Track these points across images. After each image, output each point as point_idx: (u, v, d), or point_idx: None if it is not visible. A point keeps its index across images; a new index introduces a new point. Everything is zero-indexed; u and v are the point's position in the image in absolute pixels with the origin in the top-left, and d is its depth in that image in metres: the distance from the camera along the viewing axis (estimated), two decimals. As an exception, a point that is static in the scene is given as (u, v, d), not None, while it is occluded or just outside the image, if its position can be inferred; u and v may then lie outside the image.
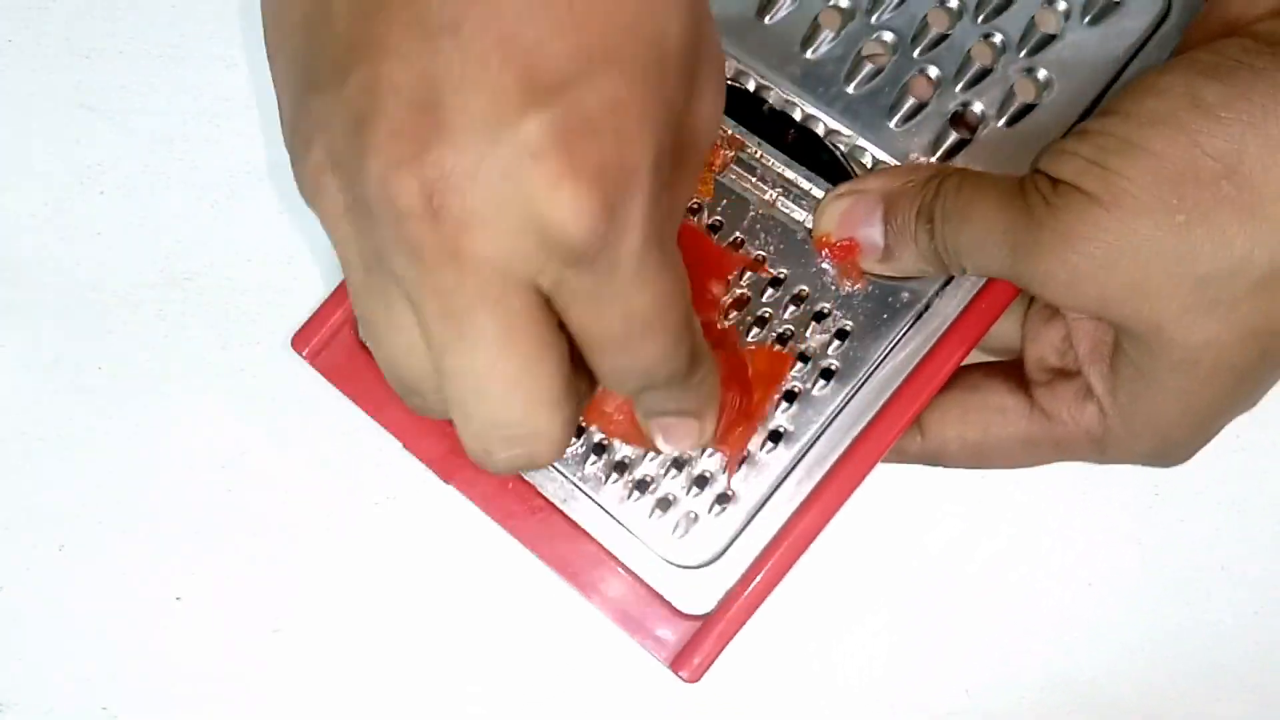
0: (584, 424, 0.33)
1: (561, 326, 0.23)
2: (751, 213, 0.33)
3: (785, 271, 0.33)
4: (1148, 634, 0.39)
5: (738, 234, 0.33)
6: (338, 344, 0.34)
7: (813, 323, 0.33)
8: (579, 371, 0.24)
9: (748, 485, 0.32)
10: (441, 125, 0.20)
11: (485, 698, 0.38)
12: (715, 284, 0.33)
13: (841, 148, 0.33)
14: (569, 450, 0.33)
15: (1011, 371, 0.33)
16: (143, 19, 0.40)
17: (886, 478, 0.39)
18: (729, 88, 0.33)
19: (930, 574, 0.39)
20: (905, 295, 0.32)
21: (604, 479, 0.33)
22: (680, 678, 0.32)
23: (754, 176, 0.34)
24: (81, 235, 0.39)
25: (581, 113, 0.20)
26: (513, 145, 0.20)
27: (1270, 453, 0.39)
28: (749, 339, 0.33)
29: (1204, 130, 0.26)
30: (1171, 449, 0.31)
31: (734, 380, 0.32)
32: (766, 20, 0.34)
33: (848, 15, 0.33)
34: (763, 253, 0.33)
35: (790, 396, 0.32)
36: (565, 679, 0.38)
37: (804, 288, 0.33)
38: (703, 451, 0.33)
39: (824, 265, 0.33)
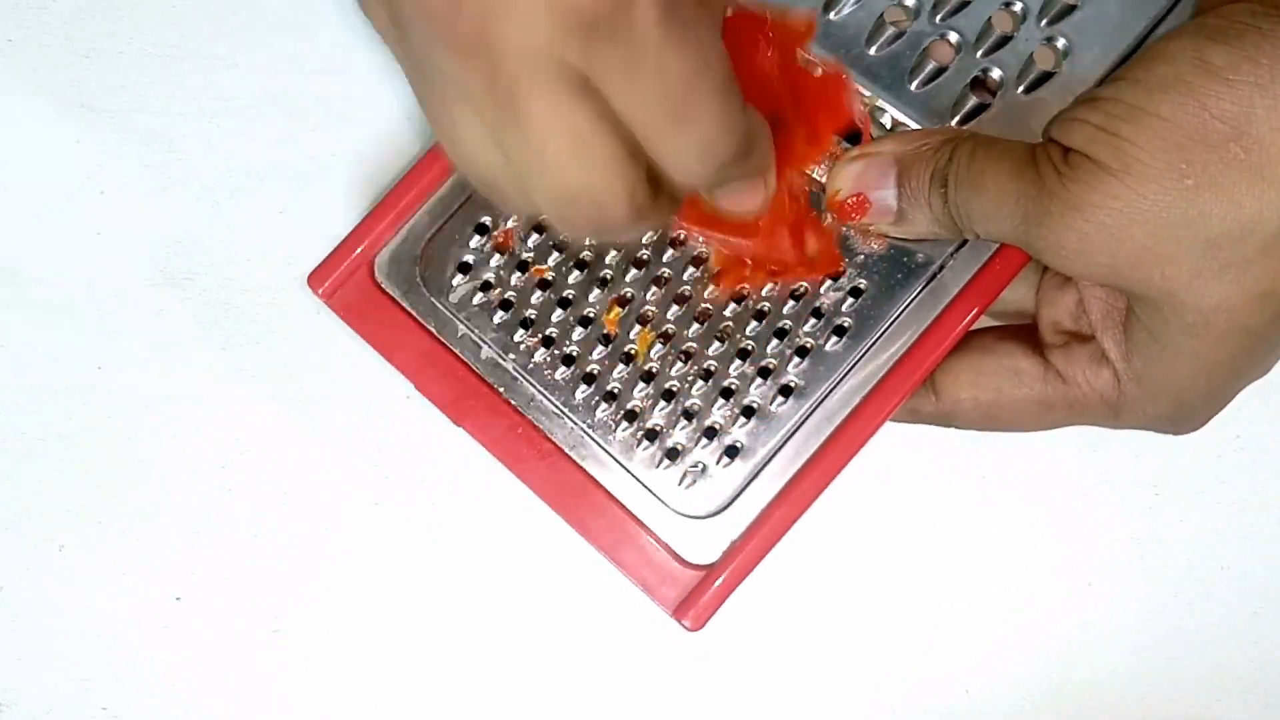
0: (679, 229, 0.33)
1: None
2: None
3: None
4: (1148, 634, 0.39)
5: None
6: (352, 285, 0.34)
7: (828, 280, 0.33)
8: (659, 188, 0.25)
9: (755, 438, 0.33)
10: None
11: (486, 694, 0.38)
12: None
13: (861, 108, 0.33)
14: (579, 395, 0.33)
15: (1026, 335, 0.33)
16: (143, 19, 0.40)
17: (887, 476, 0.39)
18: None
19: (931, 573, 0.39)
20: (920, 256, 0.33)
21: (614, 427, 0.33)
22: (683, 625, 0.32)
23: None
24: (81, 235, 0.39)
25: None
26: None
27: (1270, 452, 0.39)
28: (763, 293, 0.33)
29: (1212, 93, 0.26)
30: (1186, 413, 0.31)
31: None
32: None
33: None
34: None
35: (802, 351, 0.33)
36: (569, 671, 0.38)
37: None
38: (713, 402, 0.33)
39: (843, 228, 0.33)
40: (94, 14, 0.40)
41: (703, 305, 0.33)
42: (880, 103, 0.33)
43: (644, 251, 0.34)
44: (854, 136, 0.33)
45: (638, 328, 0.33)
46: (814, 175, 0.33)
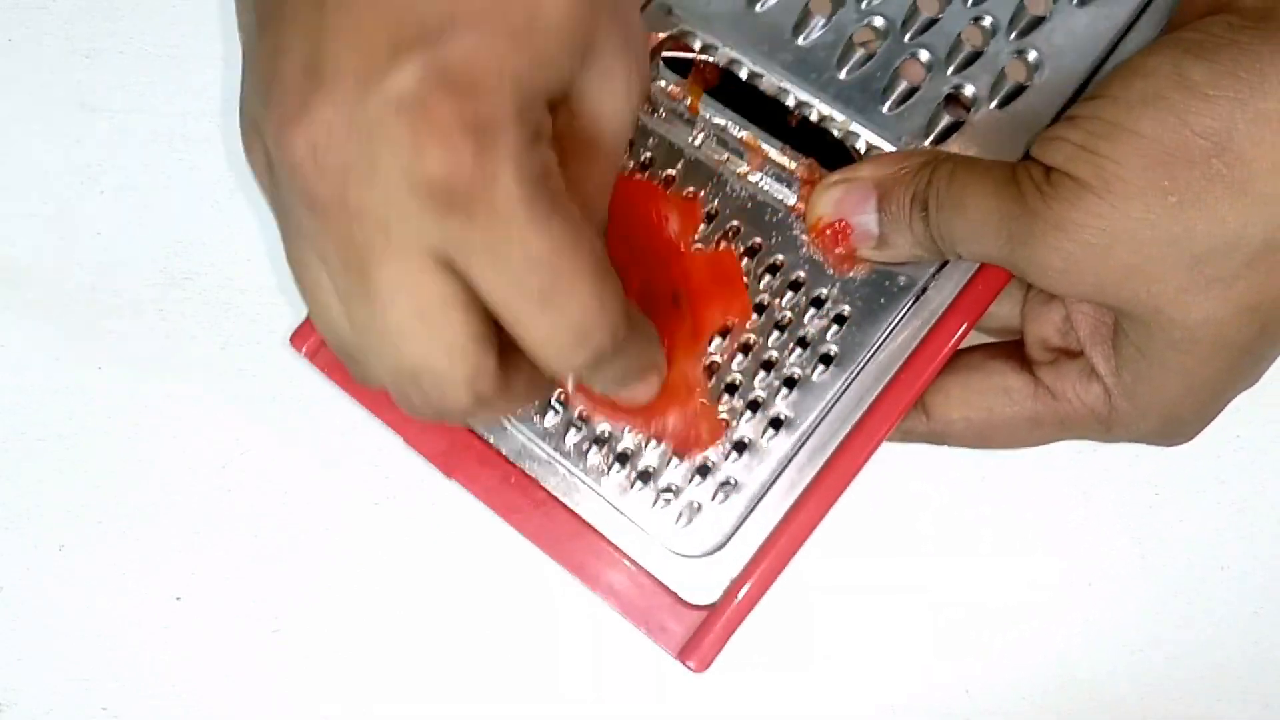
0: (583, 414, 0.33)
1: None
2: (745, 199, 0.34)
3: (781, 258, 0.33)
4: (1148, 634, 0.39)
5: (734, 222, 0.34)
6: None
7: (810, 308, 0.33)
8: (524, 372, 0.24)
9: (749, 473, 0.32)
10: (321, 84, 0.22)
11: (487, 696, 0.38)
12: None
13: (835, 133, 0.33)
14: (570, 440, 0.33)
15: (1014, 352, 0.33)
16: (143, 19, 0.40)
17: (885, 479, 0.39)
18: (724, 73, 0.34)
19: (930, 573, 0.39)
20: (902, 279, 0.33)
21: (606, 470, 0.33)
22: (688, 668, 0.32)
23: (748, 164, 0.34)
24: (81, 235, 0.39)
25: (441, 66, 0.21)
26: (379, 97, 0.21)
27: (1270, 452, 0.39)
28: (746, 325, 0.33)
29: (1192, 109, 0.26)
30: (1177, 426, 0.31)
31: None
32: (758, 8, 0.34)
33: (838, 2, 0.34)
34: (759, 239, 0.33)
35: (790, 383, 0.33)
36: (569, 672, 0.38)
37: (801, 274, 0.33)
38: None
39: (815, 255, 0.33)
40: (94, 14, 0.40)
41: None
42: (853, 127, 0.33)
43: None
44: (834, 161, 0.33)
45: None
46: (705, 362, 0.33)
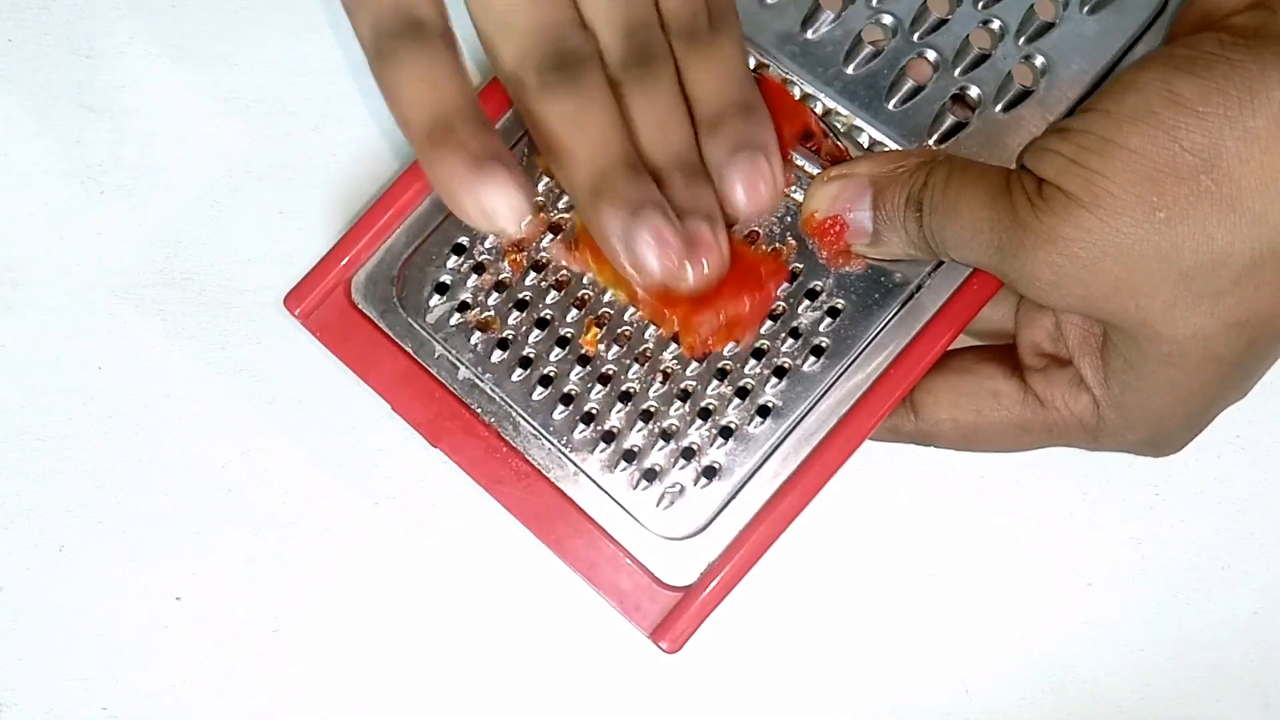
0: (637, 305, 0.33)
1: None
2: None
3: (779, 247, 0.33)
4: (1148, 634, 0.39)
5: None
6: (330, 305, 0.34)
7: (805, 300, 0.33)
8: None
9: (734, 459, 0.33)
10: None
11: (483, 694, 0.38)
12: None
13: (838, 127, 0.33)
14: (557, 416, 0.33)
15: (1005, 356, 0.34)
16: (143, 19, 0.40)
17: (884, 476, 0.39)
18: None
19: (931, 574, 0.39)
20: (897, 276, 0.33)
21: (592, 448, 0.33)
22: (660, 648, 0.32)
23: None
24: (81, 235, 0.39)
25: None
26: None
27: (1270, 452, 0.39)
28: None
29: (1181, 125, 0.26)
30: (1165, 438, 0.31)
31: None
32: (768, 0, 0.34)
33: None
34: (756, 228, 0.33)
35: (780, 372, 0.33)
36: (556, 659, 0.38)
37: (798, 265, 0.33)
38: (691, 423, 0.33)
39: (811, 248, 0.33)
40: (94, 14, 0.40)
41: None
42: (857, 121, 0.33)
43: None
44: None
45: (605, 340, 0.33)
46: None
